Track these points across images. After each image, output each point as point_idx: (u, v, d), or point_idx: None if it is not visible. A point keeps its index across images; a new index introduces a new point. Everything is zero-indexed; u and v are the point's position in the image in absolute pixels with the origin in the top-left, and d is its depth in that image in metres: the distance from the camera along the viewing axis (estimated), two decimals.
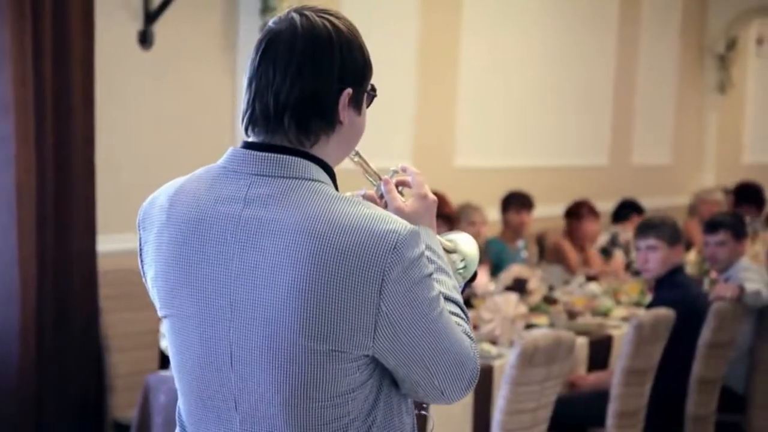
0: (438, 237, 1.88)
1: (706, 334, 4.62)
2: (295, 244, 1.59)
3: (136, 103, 4.82)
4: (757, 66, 10.59)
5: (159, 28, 4.85)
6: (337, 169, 1.75)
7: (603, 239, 7.13)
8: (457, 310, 1.73)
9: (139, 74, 4.82)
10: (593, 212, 6.82)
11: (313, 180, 1.65)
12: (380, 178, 1.85)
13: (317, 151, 1.69)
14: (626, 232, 7.10)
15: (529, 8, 7.49)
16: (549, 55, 7.73)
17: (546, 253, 6.99)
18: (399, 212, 1.80)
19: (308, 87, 1.65)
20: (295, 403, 1.63)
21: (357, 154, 1.85)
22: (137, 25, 4.82)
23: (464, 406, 4.07)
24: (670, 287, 4.72)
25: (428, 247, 1.73)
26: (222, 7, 5.20)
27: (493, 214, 6.48)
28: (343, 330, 1.60)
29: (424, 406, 1.95)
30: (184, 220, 1.69)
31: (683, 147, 9.57)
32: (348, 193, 1.73)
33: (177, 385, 1.78)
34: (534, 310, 5.33)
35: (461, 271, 1.92)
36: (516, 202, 6.53)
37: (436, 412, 3.89)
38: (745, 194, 8.49)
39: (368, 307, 1.59)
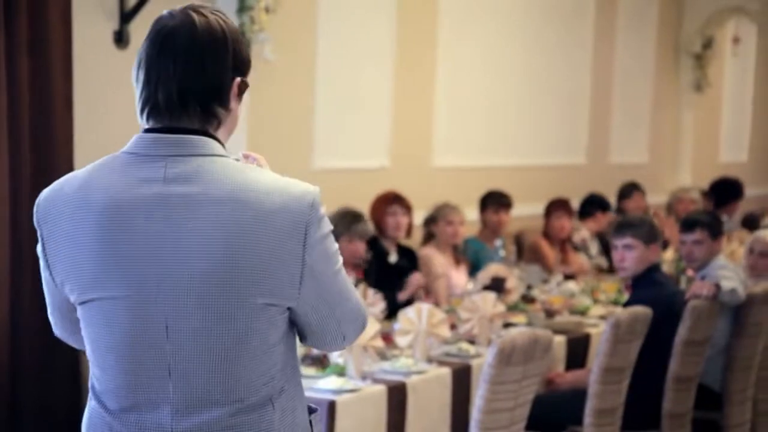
0: None
1: (682, 332, 4.64)
2: (223, 213, 1.75)
3: (113, 103, 4.79)
4: (733, 65, 10.65)
5: (135, 27, 4.83)
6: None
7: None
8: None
9: (115, 74, 4.80)
10: (564, 209, 6.82)
11: (221, 155, 1.82)
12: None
13: (217, 134, 1.86)
14: (581, 230, 7.12)
15: (506, 8, 7.50)
16: (526, 55, 7.75)
17: (524, 252, 7.00)
18: None
19: (210, 77, 1.82)
20: (231, 359, 1.79)
21: None
22: (113, 24, 4.80)
23: (442, 406, 4.08)
24: (646, 286, 4.74)
25: None
26: None
27: (471, 213, 6.48)
28: (276, 284, 1.77)
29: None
30: (104, 206, 1.78)
31: (660, 146, 9.61)
32: None
33: (96, 365, 1.86)
34: (512, 309, 5.35)
35: None
36: (494, 202, 6.54)
37: (414, 409, 3.91)
38: (722, 191, 8.54)
39: (296, 261, 1.78)
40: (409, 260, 5.70)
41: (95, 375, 1.87)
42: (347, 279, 1.88)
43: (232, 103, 1.86)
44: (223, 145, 1.85)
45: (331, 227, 1.85)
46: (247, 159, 1.95)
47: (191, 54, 1.81)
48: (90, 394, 1.89)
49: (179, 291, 1.76)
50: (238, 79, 1.86)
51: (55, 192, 1.85)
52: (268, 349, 1.81)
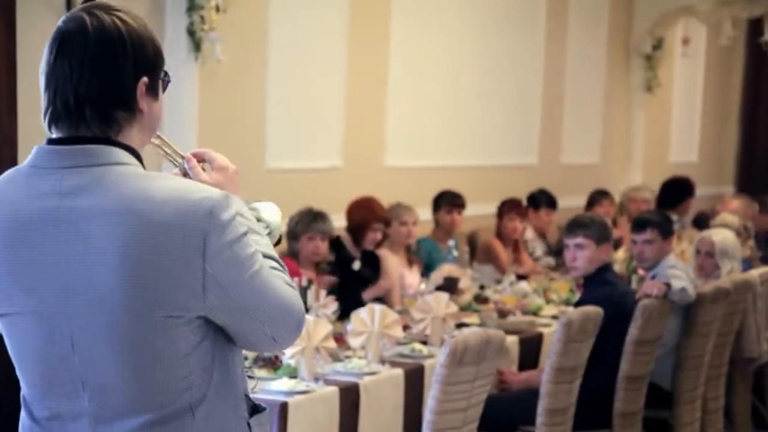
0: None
1: (633, 332, 4.67)
2: (118, 225, 1.71)
3: None
4: (683, 66, 10.75)
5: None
6: None
7: None
8: (275, 264, 1.85)
9: None
10: (516, 209, 6.83)
11: (121, 164, 1.76)
12: (182, 157, 1.95)
13: (123, 137, 1.80)
14: (525, 230, 7.14)
15: (457, 8, 7.51)
16: (478, 55, 7.76)
17: (477, 252, 7.01)
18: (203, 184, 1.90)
19: (105, 81, 1.76)
20: (140, 371, 1.76)
21: (158, 136, 1.94)
22: (59, 21, 4.72)
23: (395, 407, 4.07)
24: (598, 285, 4.77)
25: (238, 212, 1.83)
26: (147, 4, 5.13)
27: (424, 213, 6.48)
28: (175, 296, 1.73)
29: (248, 367, 2.11)
30: (4, 221, 1.77)
31: (611, 146, 9.68)
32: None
33: (20, 376, 1.87)
34: (465, 309, 5.35)
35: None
36: (447, 202, 6.55)
37: (367, 410, 3.90)
38: (673, 191, 8.61)
39: (195, 272, 1.72)
40: (373, 268, 5.67)
41: (22, 385, 1.88)
42: (270, 278, 1.80)
43: (141, 104, 1.80)
44: (131, 149, 1.80)
45: (244, 230, 1.77)
46: (189, 162, 1.92)
47: (84, 58, 1.75)
48: (21, 403, 1.90)
49: (80, 305, 1.74)
50: (144, 78, 1.79)
51: None
52: (181, 359, 1.77)
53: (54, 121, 1.78)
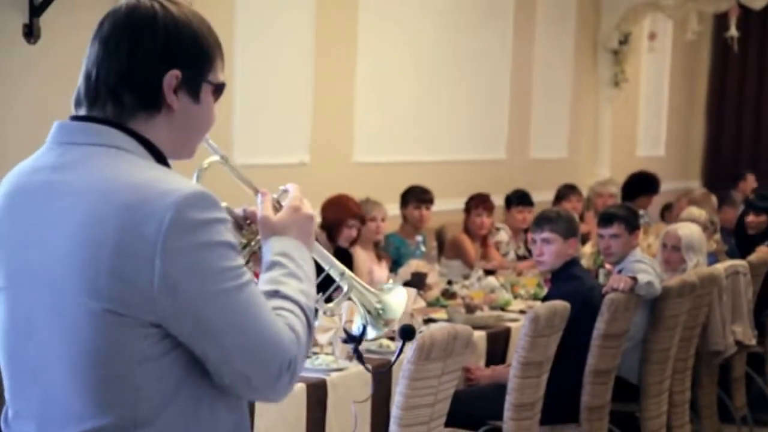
0: (367, 287, 1.93)
1: (600, 326, 4.68)
2: (77, 204, 1.60)
3: (22, 99, 4.68)
4: (649, 61, 10.80)
5: (46, 21, 4.71)
6: None
7: None
8: (293, 308, 1.67)
9: (25, 69, 4.68)
10: (484, 204, 6.83)
11: (118, 148, 1.66)
12: (257, 191, 1.85)
13: (138, 126, 1.68)
14: (500, 232, 7.16)
15: (425, 4, 7.51)
16: (446, 51, 7.76)
17: (445, 247, 7.02)
18: (264, 220, 1.80)
19: (124, 62, 1.67)
20: (84, 371, 1.60)
21: (228, 164, 1.87)
22: (22, 18, 4.68)
23: (363, 403, 4.05)
24: (565, 280, 4.78)
25: (283, 253, 1.73)
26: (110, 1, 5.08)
27: (392, 209, 6.47)
28: (121, 288, 1.57)
29: None
30: (3, 193, 1.72)
31: (579, 141, 9.71)
32: (224, 203, 1.71)
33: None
34: (432, 304, 5.35)
35: (381, 312, 1.94)
36: (415, 197, 6.54)
37: (334, 406, 3.88)
38: (638, 185, 8.66)
39: (144, 267, 1.56)
40: (346, 265, 5.64)
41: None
42: (255, 306, 1.60)
43: (170, 99, 1.67)
44: (144, 140, 1.67)
45: (225, 240, 1.60)
46: (264, 197, 1.81)
47: (111, 37, 1.69)
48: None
49: (37, 285, 1.63)
50: (175, 71, 1.67)
51: None
52: (125, 366, 1.59)
53: (77, 100, 1.72)
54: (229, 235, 1.62)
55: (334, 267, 1.95)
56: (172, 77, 1.67)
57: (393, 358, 2.22)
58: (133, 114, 1.68)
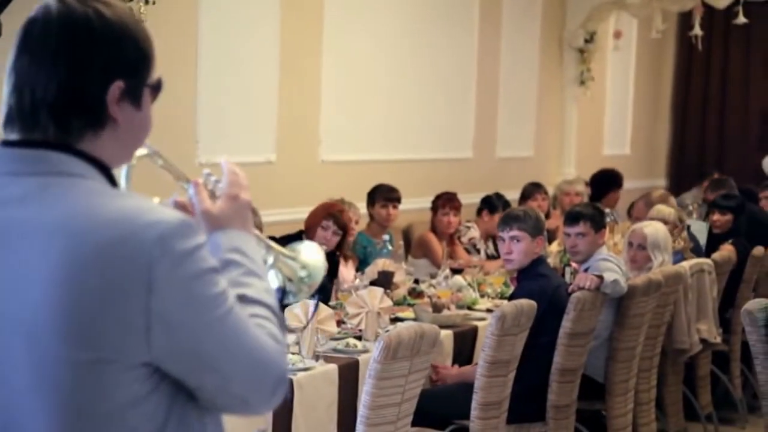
0: (276, 245, 1.81)
1: (566, 324, 4.69)
2: (50, 244, 1.46)
3: None
4: (615, 59, 10.85)
5: (8, 17, 4.65)
6: None
7: None
8: (266, 313, 1.59)
9: None
10: (450, 203, 6.82)
11: (73, 175, 1.52)
12: (188, 181, 1.73)
13: (86, 146, 1.55)
14: (471, 229, 7.15)
15: (391, 3, 7.50)
16: (412, 49, 7.75)
17: (412, 246, 7.01)
18: (206, 214, 1.68)
19: (65, 81, 1.52)
20: (65, 422, 1.48)
21: (159, 156, 1.75)
22: None
23: (329, 403, 4.04)
24: (531, 278, 4.78)
25: (236, 249, 1.63)
26: None
27: (359, 208, 6.45)
28: (108, 336, 1.45)
29: (262, 428, 1.84)
30: None
31: (545, 139, 9.74)
32: (156, 199, 1.60)
33: None
34: (399, 303, 5.34)
35: (305, 279, 1.83)
36: (382, 196, 6.53)
37: (300, 406, 3.86)
38: (602, 182, 8.69)
39: (136, 308, 1.45)
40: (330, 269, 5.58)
41: None
42: (245, 325, 1.53)
43: (114, 112, 1.55)
44: (96, 161, 1.55)
45: (209, 265, 1.51)
46: (196, 188, 1.70)
47: (43, 53, 1.53)
48: None
49: (8, 331, 1.48)
50: (119, 82, 1.54)
51: None
52: (116, 414, 1.49)
53: (8, 121, 1.55)
54: (211, 258, 1.54)
55: (261, 241, 1.84)
56: (115, 89, 1.55)
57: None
58: (81, 134, 1.54)
